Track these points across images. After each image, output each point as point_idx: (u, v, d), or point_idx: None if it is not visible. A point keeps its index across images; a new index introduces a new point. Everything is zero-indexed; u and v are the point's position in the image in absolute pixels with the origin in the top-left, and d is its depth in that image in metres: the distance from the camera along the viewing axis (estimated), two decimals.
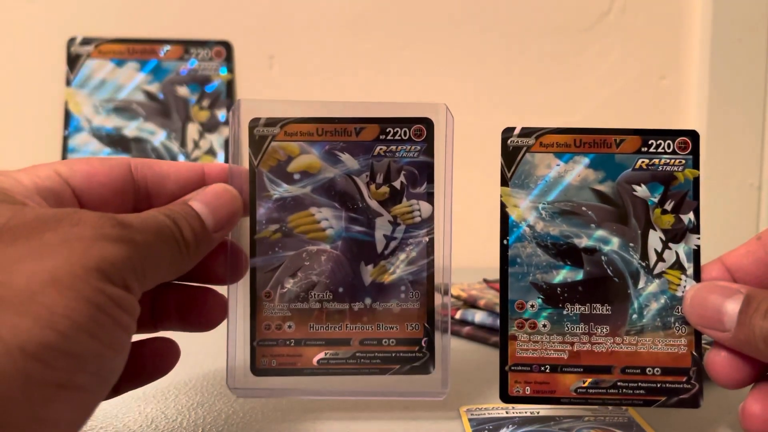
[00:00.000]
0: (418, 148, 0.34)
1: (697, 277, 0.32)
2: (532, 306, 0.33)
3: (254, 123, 0.33)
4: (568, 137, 0.33)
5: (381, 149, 0.34)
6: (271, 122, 0.33)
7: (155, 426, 0.33)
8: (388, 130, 0.34)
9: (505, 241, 0.33)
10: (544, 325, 0.33)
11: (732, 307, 0.29)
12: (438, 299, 0.34)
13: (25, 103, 0.75)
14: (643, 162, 0.33)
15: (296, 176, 0.34)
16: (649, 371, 0.32)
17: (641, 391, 0.32)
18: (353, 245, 0.34)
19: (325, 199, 0.34)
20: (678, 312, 0.32)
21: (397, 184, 0.34)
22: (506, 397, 0.33)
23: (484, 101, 0.80)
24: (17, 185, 0.27)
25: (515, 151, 0.33)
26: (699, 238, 0.33)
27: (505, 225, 0.33)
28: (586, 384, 0.33)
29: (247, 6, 0.77)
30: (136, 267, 0.25)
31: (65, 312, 0.21)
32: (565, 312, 0.33)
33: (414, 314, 0.34)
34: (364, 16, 0.78)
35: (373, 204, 0.34)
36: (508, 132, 0.33)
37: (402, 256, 0.34)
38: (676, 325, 0.32)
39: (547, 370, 0.33)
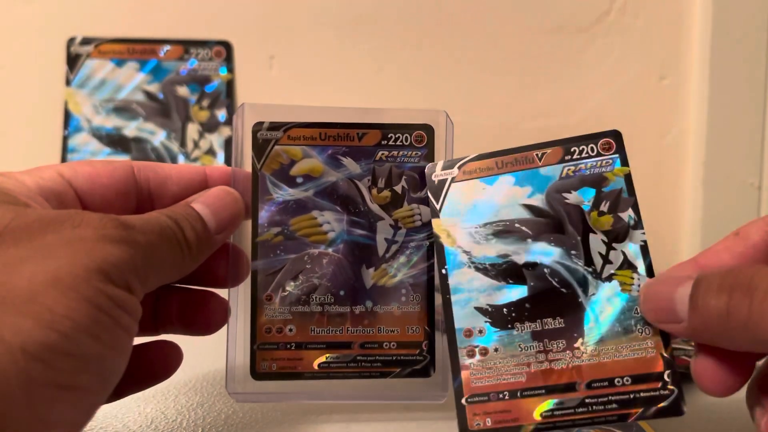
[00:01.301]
0: (419, 153, 0.34)
1: (650, 272, 0.31)
2: (481, 331, 0.31)
3: (257, 127, 0.33)
4: (490, 161, 0.33)
5: (383, 154, 0.34)
6: (275, 126, 0.34)
7: (155, 426, 0.33)
8: (389, 136, 0.34)
9: (443, 270, 0.32)
10: (496, 349, 0.31)
11: (682, 294, 0.27)
12: (438, 299, 0.34)
13: (25, 103, 0.75)
14: (568, 170, 0.32)
15: (299, 180, 0.34)
16: (618, 382, 0.30)
17: (613, 405, 0.30)
18: (355, 248, 0.34)
19: (327, 202, 0.34)
20: (637, 313, 0.31)
21: (398, 188, 0.34)
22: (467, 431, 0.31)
23: (483, 101, 0.80)
24: (20, 186, 0.27)
25: (440, 185, 0.33)
26: (644, 233, 0.32)
27: (441, 254, 0.32)
28: (550, 406, 0.30)
29: (247, 6, 0.77)
30: (138, 268, 0.25)
31: (66, 313, 0.21)
32: (515, 332, 0.31)
33: (414, 317, 0.34)
34: (364, 16, 0.78)
35: (375, 208, 0.34)
36: (431, 169, 0.33)
37: (403, 259, 0.34)
38: (638, 327, 0.30)
39: (506, 397, 0.30)
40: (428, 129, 0.34)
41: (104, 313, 0.23)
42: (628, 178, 0.32)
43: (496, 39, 0.80)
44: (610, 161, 0.32)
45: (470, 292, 0.32)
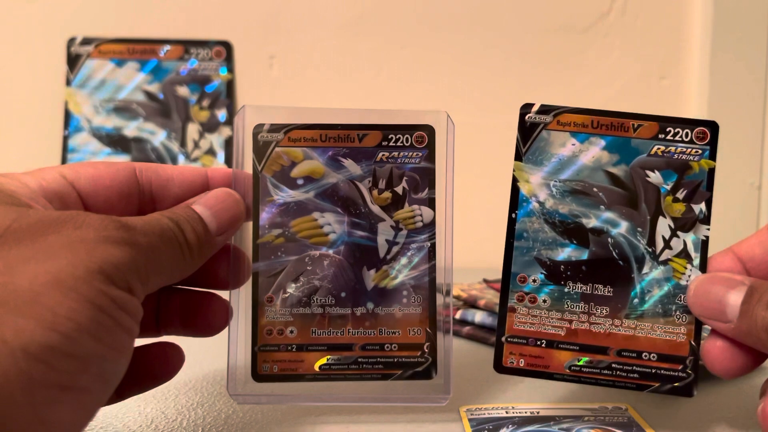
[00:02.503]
0: (420, 154, 0.34)
1: (703, 267, 0.32)
2: (534, 281, 0.33)
3: (258, 129, 0.33)
4: (586, 118, 0.33)
5: (383, 155, 0.34)
6: (275, 128, 0.34)
7: (155, 426, 0.33)
8: (390, 137, 0.34)
9: (513, 215, 0.33)
10: (545, 301, 0.33)
11: (735, 299, 0.29)
12: (439, 300, 0.34)
13: (25, 103, 0.75)
14: (658, 149, 0.33)
15: (299, 181, 0.34)
16: (645, 356, 0.32)
17: (635, 375, 0.32)
18: (355, 250, 0.34)
19: (328, 204, 0.34)
20: (680, 300, 0.32)
21: (399, 189, 0.34)
22: (500, 367, 0.33)
23: (484, 101, 0.80)
24: (23, 187, 0.27)
25: (532, 128, 0.33)
26: (708, 229, 0.33)
27: (515, 199, 0.33)
28: (580, 362, 0.33)
29: (247, 6, 0.77)
30: (139, 269, 0.25)
31: (68, 314, 0.21)
32: (566, 289, 0.33)
33: (416, 319, 0.34)
34: (364, 16, 0.78)
35: (376, 209, 0.34)
36: (526, 108, 0.33)
37: (404, 260, 0.34)
38: (677, 313, 0.32)
39: (543, 345, 0.33)
40: (429, 129, 0.34)
41: (105, 314, 0.23)
42: (711, 172, 0.33)
43: (497, 39, 0.80)
44: (700, 151, 0.33)
45: (534, 241, 0.33)
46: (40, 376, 0.20)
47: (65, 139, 0.70)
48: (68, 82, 0.71)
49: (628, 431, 0.32)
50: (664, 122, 0.33)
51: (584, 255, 0.33)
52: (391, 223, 0.34)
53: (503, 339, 0.33)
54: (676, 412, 0.36)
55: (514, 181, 0.33)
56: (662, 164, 0.33)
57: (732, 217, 0.81)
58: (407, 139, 0.34)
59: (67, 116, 0.71)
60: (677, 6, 0.81)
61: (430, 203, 0.34)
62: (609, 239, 0.33)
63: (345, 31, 0.78)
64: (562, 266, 0.33)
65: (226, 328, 0.33)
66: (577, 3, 0.80)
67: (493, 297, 0.50)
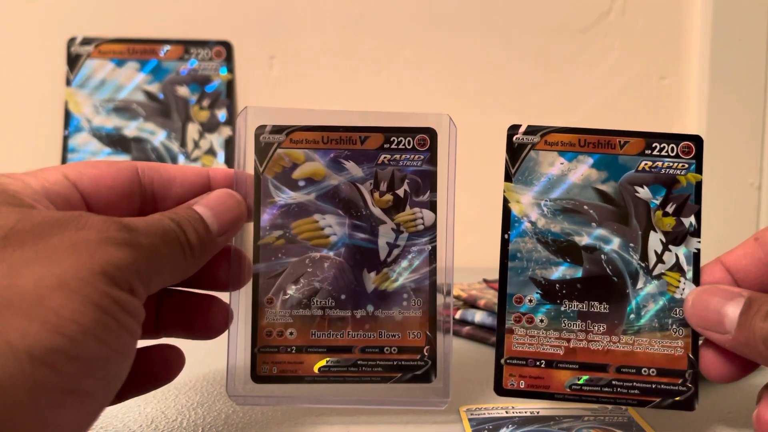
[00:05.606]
0: (422, 157, 0.34)
1: (696, 280, 0.33)
2: (530, 301, 0.33)
3: (260, 130, 0.34)
4: (573, 137, 0.33)
5: (385, 158, 0.34)
6: (277, 129, 0.34)
7: (155, 426, 0.34)
8: (392, 139, 0.34)
9: (506, 236, 0.33)
10: (542, 321, 0.33)
11: (733, 310, 0.30)
12: (439, 299, 0.34)
13: (25, 103, 0.75)
14: (646, 164, 0.33)
15: (301, 183, 0.34)
16: (645, 372, 0.33)
17: (636, 391, 0.33)
18: (356, 252, 0.34)
19: (329, 206, 0.34)
20: (676, 314, 0.33)
21: (400, 192, 0.34)
22: (501, 390, 0.33)
23: (484, 101, 0.80)
24: (26, 188, 0.27)
25: (520, 148, 0.33)
26: (699, 242, 0.33)
27: (507, 220, 0.33)
28: (580, 381, 0.33)
29: (247, 6, 0.77)
30: (141, 271, 0.25)
31: (73, 316, 0.21)
32: (562, 308, 0.33)
33: (416, 322, 0.34)
34: (364, 16, 0.78)
35: (377, 211, 0.34)
36: (513, 129, 0.33)
37: (404, 263, 0.34)
38: (674, 327, 0.33)
39: (543, 365, 0.33)
40: (431, 132, 0.34)
41: (109, 316, 0.23)
42: (698, 185, 0.33)
43: (496, 39, 0.80)
44: (686, 165, 0.33)
45: (528, 261, 0.33)
46: (45, 380, 0.20)
47: (65, 139, 0.70)
48: (68, 82, 0.71)
49: (627, 431, 0.32)
50: (650, 138, 0.33)
51: (578, 273, 0.33)
52: (392, 226, 0.34)
53: (502, 361, 0.33)
54: (676, 412, 0.36)
55: (505, 201, 0.33)
56: (650, 179, 0.33)
57: (732, 218, 0.81)
58: (409, 142, 0.34)
59: (67, 116, 0.71)
60: (677, 6, 0.81)
61: (432, 206, 0.34)
62: (602, 256, 0.33)
63: (345, 32, 0.78)
64: (558, 285, 0.33)
65: None
66: (577, 3, 0.80)
67: (493, 297, 0.50)
